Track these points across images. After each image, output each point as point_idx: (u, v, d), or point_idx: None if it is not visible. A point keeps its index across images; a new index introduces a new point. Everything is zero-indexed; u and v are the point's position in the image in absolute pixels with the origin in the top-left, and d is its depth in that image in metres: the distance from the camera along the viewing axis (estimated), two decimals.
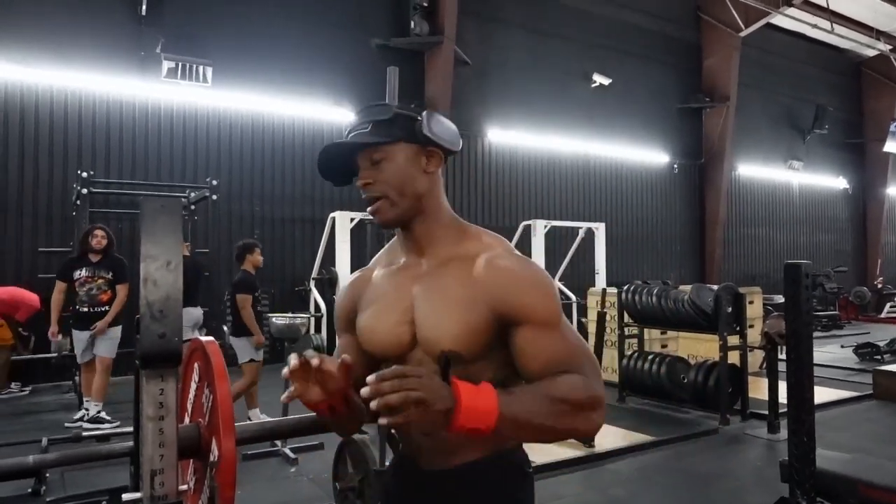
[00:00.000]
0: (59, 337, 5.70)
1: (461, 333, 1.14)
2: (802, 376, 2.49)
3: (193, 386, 1.50)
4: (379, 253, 1.38)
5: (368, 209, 1.22)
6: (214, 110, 8.58)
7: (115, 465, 3.56)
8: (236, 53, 8.63)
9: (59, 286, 5.42)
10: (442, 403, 0.96)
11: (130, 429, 4.72)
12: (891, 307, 15.53)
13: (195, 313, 6.13)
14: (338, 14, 9.57)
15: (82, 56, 7.67)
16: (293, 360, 1.03)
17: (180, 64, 7.92)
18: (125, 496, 1.24)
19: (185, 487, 1.38)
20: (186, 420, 1.53)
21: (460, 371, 1.12)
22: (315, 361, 1.03)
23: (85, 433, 4.81)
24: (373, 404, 0.92)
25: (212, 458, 1.31)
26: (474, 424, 0.98)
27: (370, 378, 0.94)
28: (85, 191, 7.22)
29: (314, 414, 1.20)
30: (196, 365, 1.48)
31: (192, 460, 1.49)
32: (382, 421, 0.92)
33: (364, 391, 0.93)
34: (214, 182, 7.80)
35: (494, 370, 1.18)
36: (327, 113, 9.36)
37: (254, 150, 8.87)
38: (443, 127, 1.22)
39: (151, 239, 1.25)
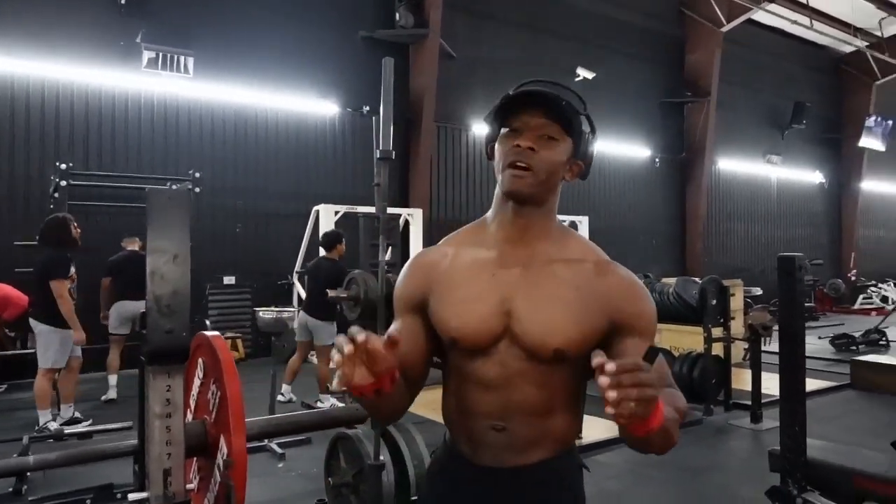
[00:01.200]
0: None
1: (574, 335, 1.15)
2: (795, 367, 2.52)
3: (197, 382, 1.47)
4: (455, 234, 1.31)
5: (514, 171, 1.15)
6: (196, 102, 8.45)
7: (98, 463, 3.50)
8: (219, 44, 8.49)
9: (66, 285, 4.89)
10: (655, 390, 0.90)
11: (113, 425, 4.66)
12: (864, 299, 15.86)
13: (137, 307, 6.02)
14: (323, 5, 9.46)
15: (60, 45, 7.49)
16: (345, 345, 0.94)
17: (161, 54, 7.77)
18: (131, 496, 1.21)
19: (191, 486, 1.35)
20: (189, 417, 1.50)
21: (553, 369, 1.16)
22: (361, 337, 0.94)
23: (67, 430, 4.71)
24: (611, 394, 0.85)
25: (219, 457, 1.29)
26: (656, 426, 0.94)
27: (610, 367, 0.85)
28: (64, 183, 7.07)
29: (318, 410, 1.19)
30: (200, 360, 1.45)
31: (195, 458, 1.46)
32: (610, 410, 0.86)
33: (603, 381, 0.85)
34: (197, 174, 7.69)
35: (580, 374, 1.21)
36: (312, 105, 9.27)
37: (237, 143, 8.75)
38: (593, 151, 1.26)
39: (159, 232, 1.21)
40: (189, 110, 8.40)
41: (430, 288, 1.23)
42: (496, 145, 1.21)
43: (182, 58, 7.90)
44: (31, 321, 5.01)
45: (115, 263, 6.22)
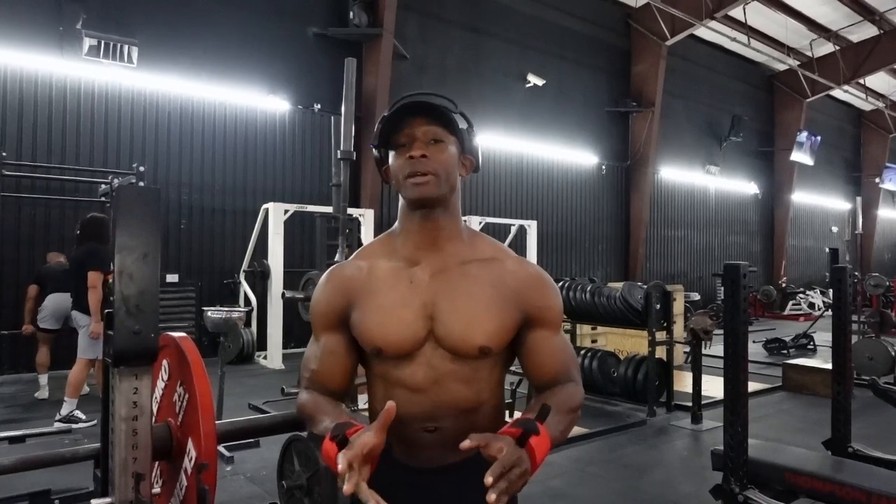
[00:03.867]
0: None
1: (495, 331, 1.22)
2: (739, 371, 2.64)
3: (161, 384, 1.43)
4: (364, 248, 1.34)
5: (415, 180, 1.19)
6: (140, 93, 8.15)
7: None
8: (165, 34, 8.22)
9: (101, 278, 4.99)
10: (529, 467, 1.01)
11: (49, 428, 4.45)
12: (793, 305, 16.70)
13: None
14: None
15: None
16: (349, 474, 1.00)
17: (103, 42, 7.45)
18: (94, 501, 1.17)
19: (156, 491, 1.32)
20: (151, 420, 1.46)
21: (477, 365, 1.22)
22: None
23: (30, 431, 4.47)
24: (494, 497, 0.94)
25: (187, 460, 1.26)
26: (538, 465, 1.05)
27: (489, 479, 0.95)
28: None
29: (286, 413, 1.21)
30: (165, 362, 1.41)
31: (157, 462, 1.42)
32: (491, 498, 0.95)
33: (490, 497, 0.94)
34: (141, 168, 7.42)
35: (501, 365, 1.28)
36: (261, 101, 9.08)
37: (182, 137, 8.48)
38: (478, 144, 1.32)
39: (127, 230, 1.18)
40: (132, 101, 8.09)
41: (351, 301, 1.25)
42: (390, 167, 1.25)
43: (126, 46, 7.60)
44: (75, 313, 5.10)
45: (43, 273, 6.04)
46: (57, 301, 5.83)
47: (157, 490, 1.33)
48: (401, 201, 1.28)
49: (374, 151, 1.28)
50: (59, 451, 1.71)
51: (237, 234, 8.81)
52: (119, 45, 7.56)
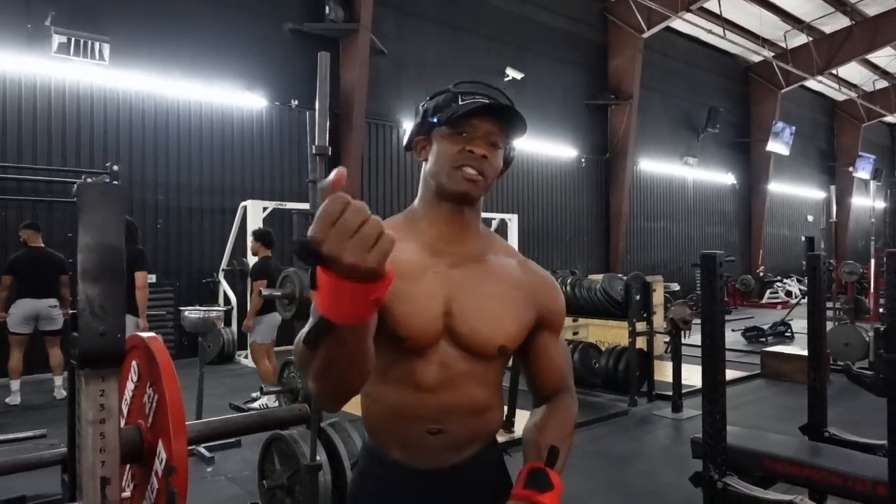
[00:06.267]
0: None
1: (515, 331, 1.20)
2: (716, 360, 2.66)
3: (130, 386, 1.40)
4: (396, 219, 1.25)
5: (468, 174, 1.14)
6: (113, 91, 8.00)
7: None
8: (137, 30, 8.07)
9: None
10: None
11: (24, 434, 4.37)
12: (771, 293, 16.95)
13: (39, 306, 5.84)
14: None
15: None
16: (330, 186, 0.71)
17: (73, 39, 7.30)
18: None
19: (126, 495, 1.29)
20: (121, 423, 1.43)
21: (491, 366, 1.19)
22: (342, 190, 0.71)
23: None
24: None
25: (157, 463, 1.24)
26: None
27: None
28: None
29: (257, 411, 1.17)
30: (134, 363, 1.38)
31: (128, 466, 1.40)
32: None
33: None
34: (115, 167, 7.29)
35: (504, 365, 1.25)
36: (237, 98, 8.97)
37: (157, 135, 8.35)
38: (514, 155, 1.30)
39: (91, 229, 1.15)
40: (105, 99, 7.94)
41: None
42: (435, 143, 1.19)
43: (97, 44, 7.45)
44: None
45: (16, 261, 5.86)
46: (28, 305, 5.73)
47: (127, 494, 1.30)
48: (425, 184, 1.22)
49: (418, 116, 1.23)
50: (24, 456, 1.66)
51: (215, 232, 8.71)
52: (90, 43, 7.41)
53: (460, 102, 1.17)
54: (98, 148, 7.85)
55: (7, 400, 5.85)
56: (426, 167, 1.21)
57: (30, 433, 4.57)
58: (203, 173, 8.72)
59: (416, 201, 1.25)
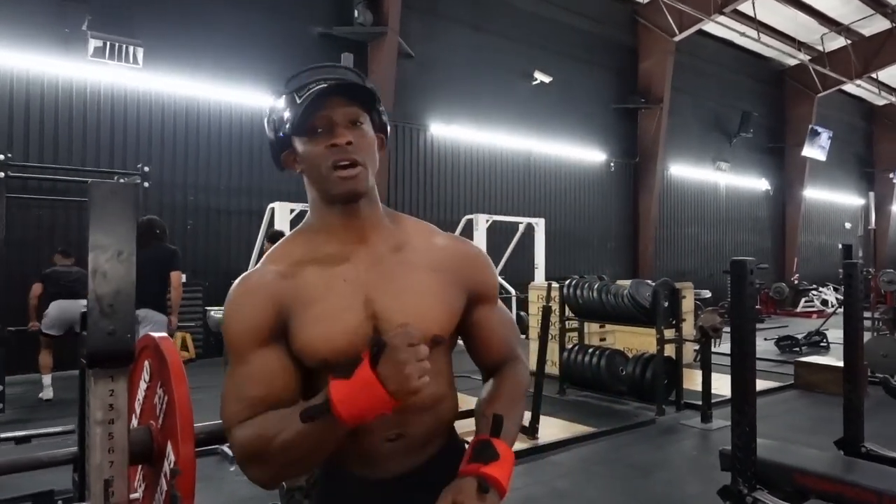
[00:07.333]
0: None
1: (445, 316, 1.14)
2: (745, 369, 2.58)
3: (143, 385, 1.40)
4: (277, 250, 1.17)
5: (344, 173, 1.07)
6: (146, 93, 8.16)
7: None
8: (170, 35, 8.23)
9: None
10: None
11: (54, 429, 4.44)
12: (806, 302, 16.51)
13: (75, 307, 5.92)
14: None
15: None
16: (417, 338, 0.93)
17: (108, 43, 7.47)
18: None
19: (136, 496, 1.28)
20: (134, 422, 1.42)
21: (433, 357, 1.09)
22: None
23: (2, 435, 4.48)
24: None
25: (166, 465, 1.22)
26: (506, 485, 1.03)
27: None
28: (1, 174, 6.72)
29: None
30: (147, 363, 1.38)
31: (140, 466, 1.39)
32: None
33: None
34: (146, 168, 7.43)
35: (450, 351, 1.21)
36: (266, 101, 9.03)
37: (188, 137, 8.49)
38: (386, 119, 1.21)
39: (101, 227, 1.14)
40: (138, 102, 8.11)
41: (282, 312, 1.09)
42: (298, 150, 1.12)
43: (131, 48, 7.61)
44: (149, 311, 5.09)
45: (49, 275, 6.06)
46: (62, 308, 5.85)
47: (136, 495, 1.29)
48: (311, 192, 1.14)
49: (269, 134, 1.16)
50: (35, 455, 1.67)
51: (243, 234, 8.81)
52: (124, 46, 7.57)
53: (298, 102, 1.10)
54: (130, 149, 8.01)
55: (40, 395, 5.98)
56: (305, 178, 1.15)
57: (59, 428, 4.64)
58: (232, 175, 8.84)
59: (309, 213, 1.19)
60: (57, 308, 5.86)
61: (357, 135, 1.09)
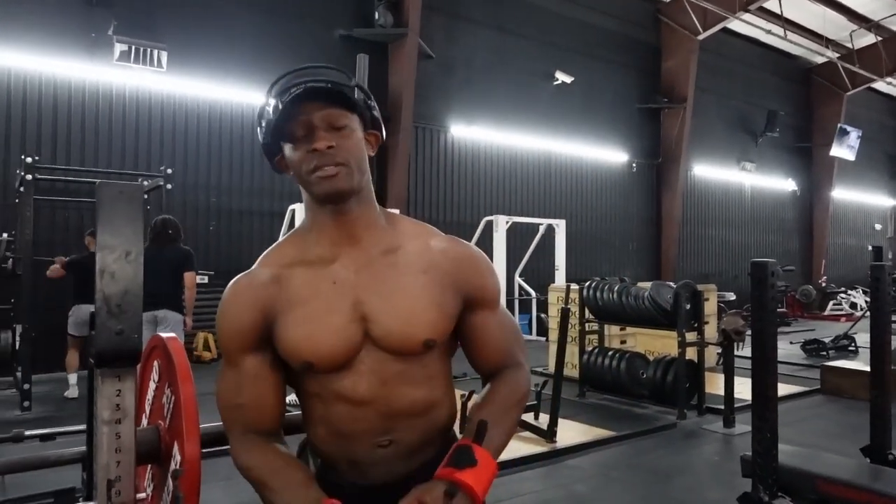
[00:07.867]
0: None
1: (438, 321, 1.11)
2: (766, 373, 2.52)
3: (152, 385, 1.41)
4: (271, 252, 1.19)
5: (322, 172, 1.06)
6: (169, 96, 8.29)
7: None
8: (193, 39, 8.34)
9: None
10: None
11: (76, 427, 4.51)
12: (834, 305, 16.16)
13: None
14: (300, 2, 9.36)
15: (27, 35, 7.29)
16: None
17: (133, 47, 7.61)
18: None
19: (143, 496, 1.29)
20: (144, 422, 1.43)
21: (425, 361, 1.12)
22: None
23: (28, 432, 4.57)
24: None
25: (173, 465, 1.23)
26: (482, 496, 1.01)
27: None
28: (29, 177, 6.83)
29: (290, 414, 1.16)
30: (156, 363, 1.39)
31: (149, 465, 1.40)
32: None
33: None
34: (169, 171, 7.53)
35: (447, 356, 1.19)
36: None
37: (210, 139, 8.60)
38: (378, 116, 1.19)
39: (109, 228, 1.15)
40: (162, 105, 8.23)
41: (269, 315, 1.11)
42: (286, 156, 1.13)
43: (155, 51, 7.74)
44: (165, 311, 5.18)
45: (73, 262, 6.13)
46: (85, 310, 5.95)
47: (143, 495, 1.30)
48: (304, 196, 1.15)
49: (260, 138, 1.17)
50: (45, 453, 1.70)
51: (265, 235, 8.88)
52: (149, 50, 7.70)
53: (280, 108, 1.09)
54: (154, 152, 8.14)
55: (66, 394, 6.09)
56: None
57: (82, 427, 4.73)
58: (254, 177, 8.93)
59: (304, 214, 1.20)
60: (83, 310, 5.96)
61: (339, 137, 1.08)
